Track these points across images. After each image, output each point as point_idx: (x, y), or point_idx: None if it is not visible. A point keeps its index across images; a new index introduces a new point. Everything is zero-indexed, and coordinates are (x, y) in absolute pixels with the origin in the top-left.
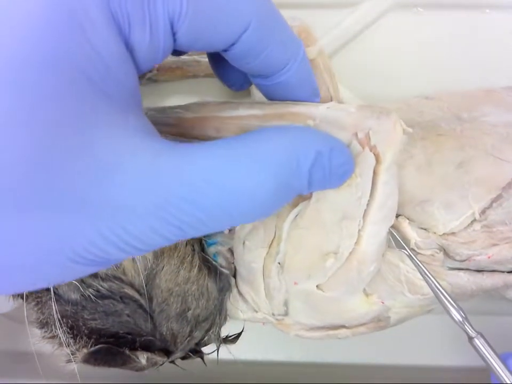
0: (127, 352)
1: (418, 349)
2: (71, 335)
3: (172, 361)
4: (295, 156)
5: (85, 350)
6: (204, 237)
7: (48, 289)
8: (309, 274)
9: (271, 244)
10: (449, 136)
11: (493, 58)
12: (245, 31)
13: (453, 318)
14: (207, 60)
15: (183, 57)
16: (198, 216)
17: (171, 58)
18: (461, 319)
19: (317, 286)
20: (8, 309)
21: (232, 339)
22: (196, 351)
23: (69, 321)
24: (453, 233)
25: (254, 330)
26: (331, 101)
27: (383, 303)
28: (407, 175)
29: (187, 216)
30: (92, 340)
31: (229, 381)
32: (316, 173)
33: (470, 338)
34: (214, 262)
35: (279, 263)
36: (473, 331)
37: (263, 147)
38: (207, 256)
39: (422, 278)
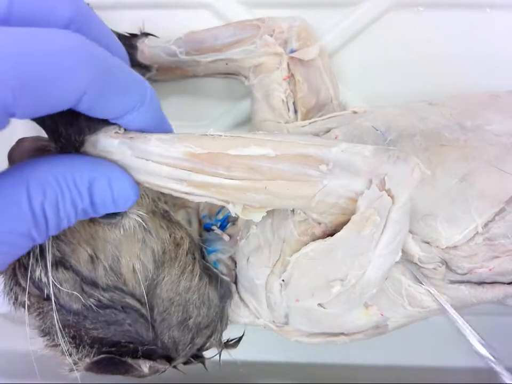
0: (129, 361)
1: (418, 349)
2: (74, 345)
3: (174, 366)
4: (70, 176)
5: (87, 360)
6: (204, 244)
7: (49, 299)
8: (312, 294)
9: (275, 264)
10: (453, 146)
11: (493, 57)
12: (82, 96)
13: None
14: (207, 59)
15: (183, 57)
16: None
17: (170, 58)
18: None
19: (318, 304)
20: (8, 309)
21: (233, 343)
22: (197, 356)
23: (71, 330)
24: (455, 247)
25: (254, 331)
26: (331, 102)
27: (382, 315)
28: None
29: None
30: (94, 349)
31: (229, 382)
32: (98, 195)
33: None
34: (214, 270)
35: (283, 281)
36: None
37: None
38: (207, 264)
39: (422, 292)
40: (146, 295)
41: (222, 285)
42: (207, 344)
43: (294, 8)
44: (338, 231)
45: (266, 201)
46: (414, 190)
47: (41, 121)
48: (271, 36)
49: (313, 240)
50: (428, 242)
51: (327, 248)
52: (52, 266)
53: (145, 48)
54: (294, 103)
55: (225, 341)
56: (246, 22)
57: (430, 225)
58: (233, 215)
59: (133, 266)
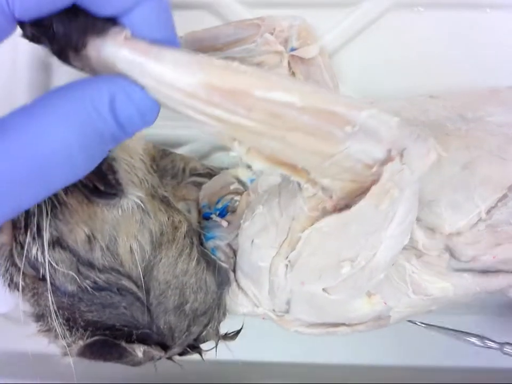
0: (124, 344)
1: (419, 349)
2: (67, 327)
3: (170, 358)
4: (88, 100)
5: (80, 342)
6: (203, 230)
7: (44, 280)
8: (319, 276)
9: (282, 244)
10: (455, 136)
11: (493, 57)
12: None
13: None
14: None
15: None
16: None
17: None
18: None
19: (323, 289)
20: (8, 309)
21: (232, 336)
22: (194, 347)
23: (65, 313)
24: (459, 234)
25: (254, 330)
26: None
27: (385, 304)
28: None
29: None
30: (88, 332)
31: (229, 381)
32: (122, 112)
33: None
34: (212, 256)
35: (289, 261)
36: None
37: (57, 103)
38: (205, 250)
39: (427, 279)
40: (143, 277)
41: (220, 271)
42: (204, 333)
43: (294, 8)
44: (350, 207)
45: (279, 150)
46: (426, 172)
47: (41, 27)
48: (272, 34)
49: (324, 215)
50: (432, 229)
51: (342, 222)
52: (48, 245)
53: None
54: None
55: (224, 333)
56: (246, 21)
57: (434, 211)
58: (235, 154)
59: (130, 247)
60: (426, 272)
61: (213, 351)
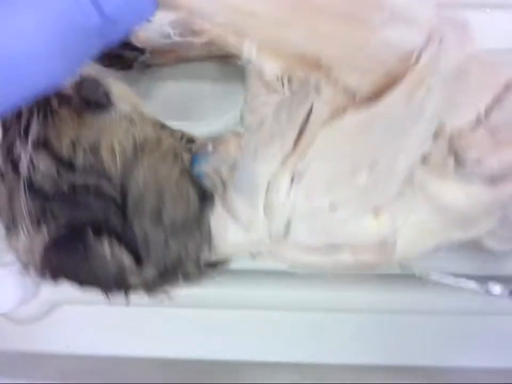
0: (91, 238)
1: (419, 349)
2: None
3: (148, 290)
4: None
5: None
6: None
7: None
8: (329, 188)
9: (287, 157)
10: None
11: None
12: None
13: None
14: (201, 40)
15: (176, 38)
16: None
17: (163, 41)
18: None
19: (330, 204)
20: (8, 309)
21: (214, 265)
22: (172, 275)
23: (38, 214)
24: (460, 135)
25: (254, 330)
26: None
27: (393, 220)
28: None
29: None
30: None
31: (229, 381)
32: (107, 3)
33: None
34: (198, 177)
35: (296, 173)
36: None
37: None
38: (191, 171)
39: (436, 186)
40: (122, 177)
41: (204, 190)
42: (183, 256)
43: None
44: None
45: (302, 43)
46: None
47: None
48: None
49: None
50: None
51: (367, 120)
52: (33, 145)
53: (139, 31)
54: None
55: (206, 262)
56: None
57: None
58: (245, 55)
59: (113, 148)
60: (435, 179)
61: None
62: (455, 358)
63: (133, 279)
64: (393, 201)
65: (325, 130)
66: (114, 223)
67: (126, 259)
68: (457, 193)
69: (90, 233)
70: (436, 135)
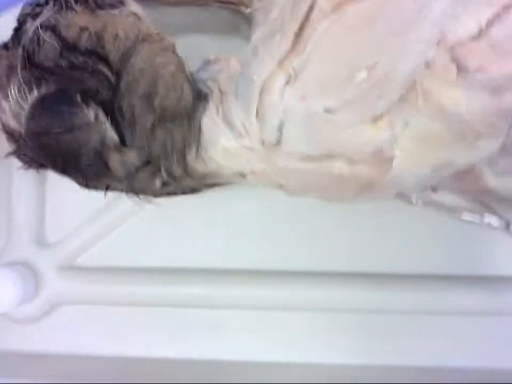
0: (78, 101)
1: (418, 349)
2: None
3: (130, 185)
4: None
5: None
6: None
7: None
8: (326, 89)
9: (285, 53)
10: None
11: None
12: None
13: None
14: None
15: None
16: None
17: None
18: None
19: (326, 108)
20: (8, 309)
21: (202, 178)
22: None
23: (32, 82)
24: (461, 44)
25: (254, 330)
26: None
27: (391, 127)
28: None
29: None
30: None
31: (229, 381)
32: None
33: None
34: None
35: (293, 70)
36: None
37: None
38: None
39: (438, 88)
40: (119, 64)
41: (199, 90)
42: (168, 149)
43: None
44: None
45: None
46: None
47: None
48: None
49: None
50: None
51: (372, 9)
52: (41, 26)
53: None
54: None
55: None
56: None
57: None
58: None
59: (116, 34)
60: (437, 84)
61: None
62: (455, 358)
63: (114, 159)
64: (393, 108)
65: (325, 22)
66: (104, 97)
67: (109, 131)
68: (459, 97)
69: (78, 97)
70: (438, 43)
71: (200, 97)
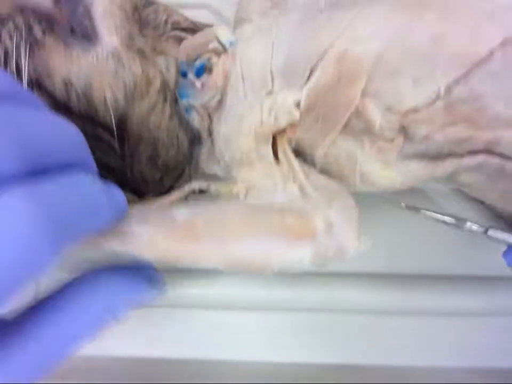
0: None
1: (418, 349)
2: None
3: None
4: None
5: None
6: (177, 88)
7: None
8: None
9: None
10: (433, 6)
11: None
12: None
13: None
14: None
15: None
16: None
17: None
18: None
19: None
20: (8, 309)
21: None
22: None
23: None
24: (415, 111)
25: (254, 330)
26: None
27: None
28: (385, 37)
29: None
30: None
31: (228, 381)
32: None
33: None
34: (185, 115)
35: None
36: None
37: None
38: (178, 108)
39: (375, 169)
40: (117, 127)
41: (192, 131)
42: (175, 186)
43: None
44: None
45: None
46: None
47: None
48: None
49: None
50: (389, 109)
51: None
52: (27, 85)
53: None
54: None
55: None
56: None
57: (395, 84)
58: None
59: (104, 97)
60: (376, 160)
61: None
62: (455, 358)
63: None
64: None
65: None
66: (115, 167)
67: (129, 194)
68: (394, 175)
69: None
70: (390, 113)
71: (194, 138)
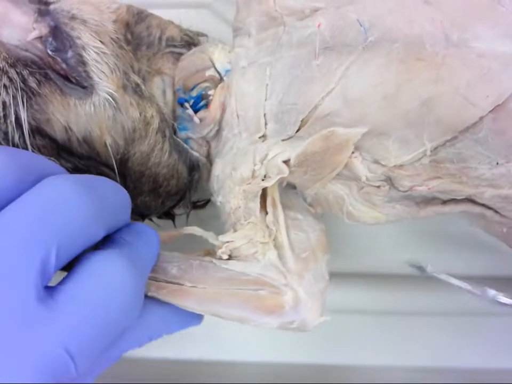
0: None
1: (418, 349)
2: None
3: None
4: None
5: None
6: (176, 121)
7: None
8: None
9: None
10: (428, 63)
11: None
12: None
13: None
14: None
15: None
16: None
17: None
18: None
19: None
20: None
21: (202, 204)
22: (169, 214)
23: None
24: (401, 166)
25: (253, 330)
26: None
27: None
28: (374, 103)
29: None
30: None
31: (228, 381)
32: None
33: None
34: (185, 146)
35: None
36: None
37: None
38: (178, 140)
39: (362, 210)
40: (118, 168)
41: (191, 159)
42: (177, 206)
43: None
44: None
45: None
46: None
47: None
48: None
49: None
50: (376, 162)
51: None
52: (28, 134)
53: None
54: None
55: (194, 201)
56: None
57: (382, 143)
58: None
59: (105, 142)
60: (363, 203)
61: None
62: (454, 358)
63: None
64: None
65: None
66: None
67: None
68: (379, 215)
69: None
70: (376, 166)
71: (193, 167)
